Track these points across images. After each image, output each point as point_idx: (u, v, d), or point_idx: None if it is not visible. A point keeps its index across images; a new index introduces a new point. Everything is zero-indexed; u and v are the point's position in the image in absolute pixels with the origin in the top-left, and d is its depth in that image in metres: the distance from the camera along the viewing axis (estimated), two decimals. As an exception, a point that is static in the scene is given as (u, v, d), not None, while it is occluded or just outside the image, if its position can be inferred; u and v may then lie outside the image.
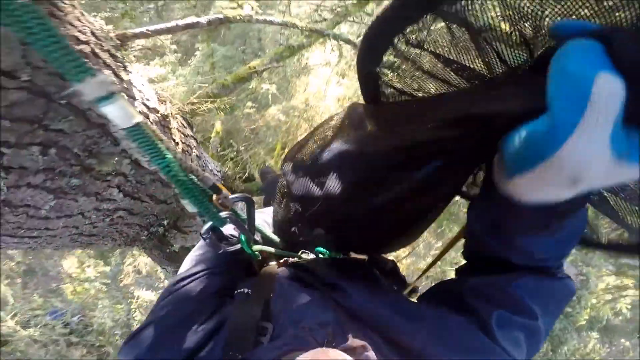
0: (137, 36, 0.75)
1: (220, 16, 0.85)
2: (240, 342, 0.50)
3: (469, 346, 0.48)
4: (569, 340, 3.21)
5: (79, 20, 0.56)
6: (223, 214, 0.65)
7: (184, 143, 1.32)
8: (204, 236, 0.71)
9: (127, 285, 3.59)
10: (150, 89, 1.04)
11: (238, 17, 0.89)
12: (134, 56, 2.46)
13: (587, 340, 3.37)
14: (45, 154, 0.63)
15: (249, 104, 2.84)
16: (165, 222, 1.29)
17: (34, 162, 0.63)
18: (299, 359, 0.41)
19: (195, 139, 1.53)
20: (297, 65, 3.21)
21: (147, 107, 0.96)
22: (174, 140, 1.20)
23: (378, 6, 2.09)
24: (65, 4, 0.51)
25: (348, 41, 1.44)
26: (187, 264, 0.71)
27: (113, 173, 0.88)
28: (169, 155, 0.50)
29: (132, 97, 0.82)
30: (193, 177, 0.59)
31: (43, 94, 0.55)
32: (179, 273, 0.70)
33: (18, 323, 3.07)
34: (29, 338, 3.03)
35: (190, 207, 0.59)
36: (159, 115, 1.04)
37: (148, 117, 0.95)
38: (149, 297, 3.54)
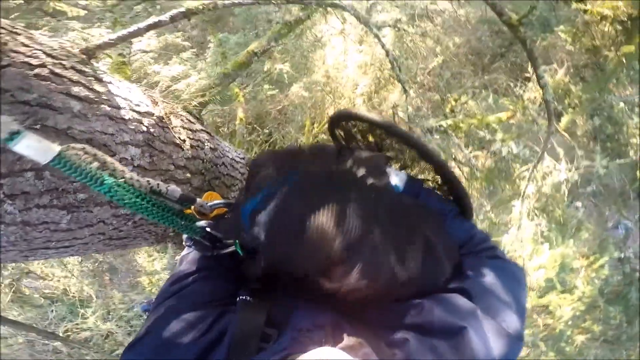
0: (101, 47, 0.77)
1: (182, 9, 0.84)
2: (243, 349, 0.50)
3: None
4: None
5: (25, 45, 0.58)
6: (201, 222, 0.65)
7: (192, 139, 1.36)
8: (187, 244, 0.71)
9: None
10: (139, 94, 1.07)
11: (201, 7, 0.87)
12: (152, 58, 2.59)
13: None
14: (41, 177, 0.68)
15: (266, 86, 2.84)
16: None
17: (33, 186, 0.68)
18: (300, 359, 0.42)
19: (207, 132, 1.57)
20: (307, 40, 3.13)
21: (139, 112, 0.99)
22: (179, 138, 1.24)
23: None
24: (1, 34, 0.53)
25: (334, 5, 1.35)
26: (182, 265, 0.71)
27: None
28: (109, 180, 0.49)
29: (116, 107, 0.86)
30: (154, 192, 0.58)
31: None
32: (174, 272, 0.70)
33: (98, 318, 3.48)
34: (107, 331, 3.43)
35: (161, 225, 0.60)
36: (154, 118, 1.07)
37: (142, 123, 0.99)
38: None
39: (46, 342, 3.40)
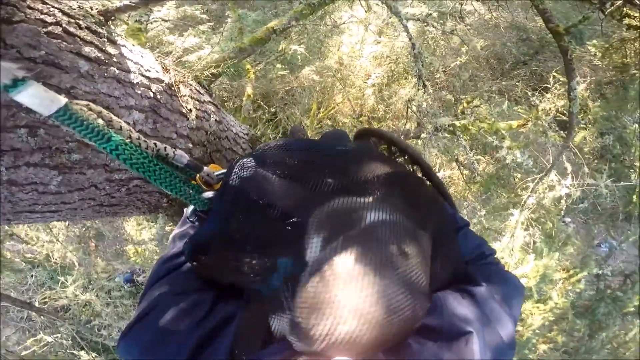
0: (121, 10, 0.79)
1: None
2: (249, 341, 0.49)
3: None
4: (610, 327, 2.98)
5: (44, 3, 0.59)
6: (208, 194, 0.61)
7: (199, 109, 1.37)
8: (190, 219, 0.68)
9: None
10: (151, 60, 1.09)
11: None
12: (167, 28, 2.59)
13: (630, 328, 3.10)
14: (34, 134, 0.67)
15: (279, 65, 2.84)
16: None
17: (25, 143, 0.66)
18: (302, 359, 0.42)
19: (214, 104, 1.58)
20: (326, 24, 3.11)
21: (148, 78, 1.01)
22: (186, 107, 1.26)
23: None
24: (20, -11, 0.55)
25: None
26: (174, 242, 0.69)
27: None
28: (117, 137, 0.46)
29: (125, 70, 0.88)
30: (160, 156, 0.55)
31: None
32: (166, 252, 0.68)
33: (78, 287, 3.49)
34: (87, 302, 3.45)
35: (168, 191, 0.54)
36: (163, 85, 1.09)
37: (150, 88, 1.01)
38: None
39: (21, 309, 3.39)
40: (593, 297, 3.06)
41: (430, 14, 2.97)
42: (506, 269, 0.71)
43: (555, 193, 2.73)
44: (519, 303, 0.62)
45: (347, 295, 0.44)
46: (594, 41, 3.08)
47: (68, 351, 3.34)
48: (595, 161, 3.14)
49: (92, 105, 0.46)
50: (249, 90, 2.63)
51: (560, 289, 2.61)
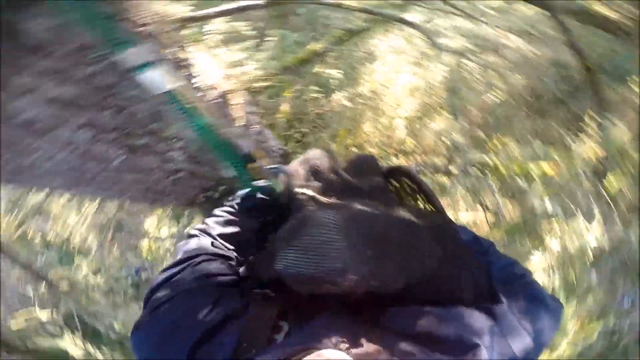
0: (190, 20, 0.86)
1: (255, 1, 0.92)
2: (256, 337, 0.51)
3: None
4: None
5: (142, 7, 0.67)
6: (261, 182, 0.67)
7: (244, 118, 1.45)
8: (231, 203, 0.71)
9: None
10: (214, 68, 1.17)
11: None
12: (219, 40, 2.73)
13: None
14: (117, 115, 0.77)
15: (313, 87, 2.93)
16: (221, 189, 1.45)
17: (110, 120, 0.77)
18: (306, 359, 0.43)
19: (259, 115, 1.66)
20: (362, 51, 3.19)
21: (208, 84, 1.09)
22: (234, 114, 1.33)
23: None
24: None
25: (412, 25, 1.39)
26: (180, 253, 0.73)
27: (175, 138, 1.03)
28: (204, 120, 0.55)
29: (189, 75, 0.95)
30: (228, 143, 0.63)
31: (115, 66, 0.68)
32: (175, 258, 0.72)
33: (90, 269, 3.53)
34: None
35: (226, 171, 0.65)
36: (219, 92, 1.17)
37: (207, 93, 1.08)
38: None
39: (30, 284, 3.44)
40: (603, 350, 2.85)
41: (467, 47, 3.00)
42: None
43: (582, 241, 2.64)
44: (547, 320, 0.60)
45: None
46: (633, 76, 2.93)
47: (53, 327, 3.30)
48: (630, 212, 3.01)
49: (186, 93, 0.52)
50: (285, 107, 2.72)
51: (571, 339, 2.45)
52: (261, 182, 0.66)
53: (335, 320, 0.53)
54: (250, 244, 0.72)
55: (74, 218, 3.48)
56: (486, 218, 3.27)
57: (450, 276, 0.58)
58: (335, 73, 2.70)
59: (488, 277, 0.63)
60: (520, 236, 3.08)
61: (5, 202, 3.28)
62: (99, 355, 3.31)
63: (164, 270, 0.68)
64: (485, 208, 3.21)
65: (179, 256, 0.71)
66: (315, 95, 3.24)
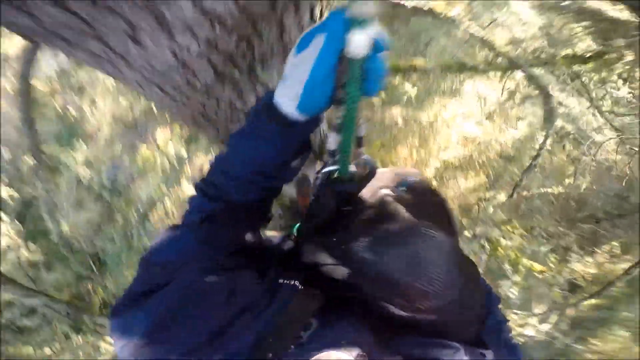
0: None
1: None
2: (287, 331, 0.49)
3: None
4: None
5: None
6: (353, 167, 0.68)
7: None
8: (316, 175, 0.70)
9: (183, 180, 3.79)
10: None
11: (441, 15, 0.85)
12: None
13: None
14: (239, 44, 0.69)
15: (382, 94, 2.82)
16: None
17: (225, 47, 0.70)
18: (315, 358, 0.43)
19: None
20: (449, 82, 3.05)
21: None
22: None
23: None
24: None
25: (540, 87, 1.29)
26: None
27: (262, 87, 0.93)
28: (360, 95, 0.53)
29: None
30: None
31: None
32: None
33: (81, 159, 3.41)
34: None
35: (333, 144, 0.62)
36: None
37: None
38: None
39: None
40: None
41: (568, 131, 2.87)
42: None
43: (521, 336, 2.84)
44: None
45: None
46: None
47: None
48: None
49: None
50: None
51: None
52: (353, 167, 0.67)
53: (359, 331, 0.52)
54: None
55: (101, 104, 3.39)
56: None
57: (464, 306, 0.57)
58: (410, 88, 2.59)
59: (484, 321, 0.63)
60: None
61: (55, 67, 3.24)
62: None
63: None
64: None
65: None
66: (376, 101, 3.14)
